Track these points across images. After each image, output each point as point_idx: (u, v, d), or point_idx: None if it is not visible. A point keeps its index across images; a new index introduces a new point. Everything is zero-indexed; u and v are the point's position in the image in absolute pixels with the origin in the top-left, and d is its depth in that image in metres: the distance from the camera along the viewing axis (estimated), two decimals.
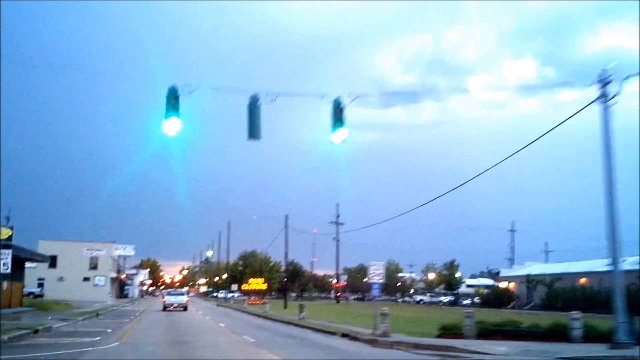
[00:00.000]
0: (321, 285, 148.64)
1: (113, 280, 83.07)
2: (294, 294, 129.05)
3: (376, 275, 22.17)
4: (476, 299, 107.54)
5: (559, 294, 72.74)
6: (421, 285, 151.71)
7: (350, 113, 16.22)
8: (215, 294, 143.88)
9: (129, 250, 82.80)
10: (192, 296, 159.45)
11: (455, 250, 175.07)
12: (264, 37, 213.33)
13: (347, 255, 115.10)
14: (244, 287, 77.23)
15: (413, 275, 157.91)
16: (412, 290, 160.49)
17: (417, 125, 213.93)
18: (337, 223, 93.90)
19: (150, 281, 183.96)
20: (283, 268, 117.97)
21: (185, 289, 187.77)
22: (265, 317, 40.12)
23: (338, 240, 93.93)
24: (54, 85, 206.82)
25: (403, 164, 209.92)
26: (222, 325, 30.23)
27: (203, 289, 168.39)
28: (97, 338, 20.52)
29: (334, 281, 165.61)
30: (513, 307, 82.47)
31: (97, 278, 76.37)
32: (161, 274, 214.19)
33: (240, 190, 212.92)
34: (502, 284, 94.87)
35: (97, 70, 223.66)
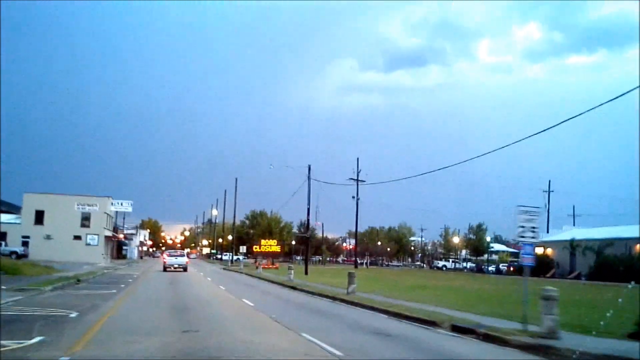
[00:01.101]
0: (332, 249, 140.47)
1: (108, 239, 74.14)
2: (298, 257, 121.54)
3: (528, 230, 12.76)
4: (502, 266, 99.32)
5: (612, 262, 63.91)
6: (436, 249, 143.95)
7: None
8: (219, 256, 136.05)
9: (125, 206, 73.65)
10: (195, 258, 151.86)
11: (472, 213, 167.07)
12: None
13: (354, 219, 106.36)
14: (255, 249, 68.23)
15: (423, 239, 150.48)
16: (419, 255, 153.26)
17: (424, 88, 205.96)
18: (357, 180, 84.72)
19: (150, 242, 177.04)
20: (295, 229, 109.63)
21: (187, 250, 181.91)
22: (294, 288, 31.12)
23: (358, 199, 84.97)
24: (51, 26, 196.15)
25: (411, 126, 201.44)
26: (248, 302, 20.97)
27: (206, 250, 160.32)
28: (34, 340, 10.73)
29: (345, 244, 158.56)
30: (553, 276, 73.78)
31: (89, 236, 67.47)
32: (162, 234, 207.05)
33: (246, 152, 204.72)
34: (537, 250, 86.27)
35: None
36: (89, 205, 67.94)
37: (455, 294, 29.40)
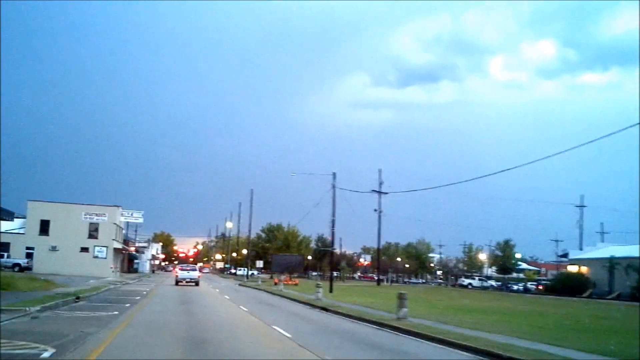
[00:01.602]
0: (349, 265, 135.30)
1: (118, 252, 70.10)
2: (314, 273, 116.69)
3: None
4: (530, 284, 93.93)
5: None
6: (455, 266, 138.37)
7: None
8: (233, 271, 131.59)
9: (136, 217, 69.68)
10: (208, 272, 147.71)
11: (491, 230, 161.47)
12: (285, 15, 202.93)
13: (370, 234, 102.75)
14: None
15: (442, 255, 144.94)
16: (437, 272, 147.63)
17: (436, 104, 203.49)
18: (379, 192, 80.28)
19: (163, 256, 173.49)
20: (312, 244, 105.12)
21: (199, 264, 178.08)
22: (326, 310, 26.70)
23: (380, 212, 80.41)
24: (56, 34, 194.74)
25: (424, 142, 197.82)
26: (282, 332, 16.48)
27: (219, 265, 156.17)
28: None
29: (362, 260, 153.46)
30: (590, 296, 68.60)
31: (97, 249, 63.47)
32: (175, 248, 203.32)
33: (260, 166, 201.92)
34: (571, 268, 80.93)
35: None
36: (97, 215, 64.03)
37: (518, 318, 24.91)
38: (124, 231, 74.53)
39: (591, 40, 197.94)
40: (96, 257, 63.33)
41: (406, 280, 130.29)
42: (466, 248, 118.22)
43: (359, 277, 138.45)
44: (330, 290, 45.62)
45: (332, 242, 46.98)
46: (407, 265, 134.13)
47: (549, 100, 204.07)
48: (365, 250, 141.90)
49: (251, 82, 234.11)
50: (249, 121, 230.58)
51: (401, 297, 20.46)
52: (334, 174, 47.50)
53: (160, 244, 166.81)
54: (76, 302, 26.15)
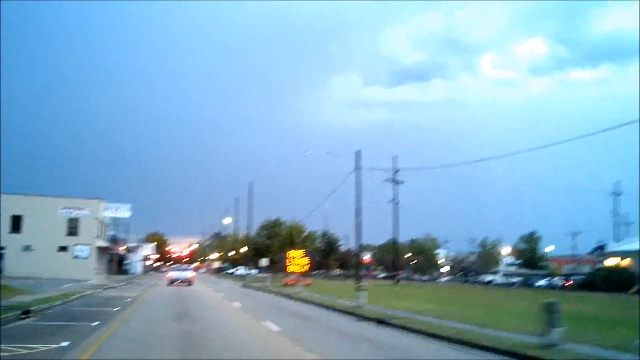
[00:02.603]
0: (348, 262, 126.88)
1: (103, 251, 61.40)
2: (314, 272, 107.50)
3: None
4: (556, 280, 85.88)
5: None
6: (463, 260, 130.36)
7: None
8: (230, 271, 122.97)
9: (123, 211, 60.88)
10: (204, 272, 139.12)
11: (509, 222, 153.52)
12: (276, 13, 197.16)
13: (369, 230, 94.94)
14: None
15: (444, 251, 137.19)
16: (446, 268, 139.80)
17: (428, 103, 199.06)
18: (394, 181, 72.00)
19: (156, 256, 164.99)
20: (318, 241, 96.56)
21: (195, 264, 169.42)
22: (386, 323, 18.43)
23: (397, 203, 72.10)
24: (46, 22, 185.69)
25: (417, 140, 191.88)
26: None
27: (216, 264, 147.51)
28: None
29: (365, 257, 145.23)
30: (638, 292, 60.50)
31: (77, 248, 54.77)
32: (168, 248, 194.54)
33: (256, 164, 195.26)
34: (611, 261, 72.94)
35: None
36: (77, 209, 55.31)
37: None
38: (109, 227, 65.72)
39: (582, 38, 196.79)
40: (76, 257, 54.65)
41: (418, 278, 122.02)
42: (481, 242, 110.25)
43: (361, 275, 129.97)
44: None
45: (358, 235, 38.55)
46: (414, 262, 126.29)
47: (541, 97, 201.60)
48: (364, 247, 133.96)
49: (244, 79, 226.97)
50: (241, 118, 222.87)
51: (551, 310, 12.02)
52: (358, 153, 39.16)
53: (154, 244, 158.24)
54: (22, 318, 17.75)
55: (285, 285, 52.98)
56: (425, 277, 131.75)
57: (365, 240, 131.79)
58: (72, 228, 55.06)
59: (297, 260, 54.54)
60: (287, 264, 54.31)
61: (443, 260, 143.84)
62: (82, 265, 54.24)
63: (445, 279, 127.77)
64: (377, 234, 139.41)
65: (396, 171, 71.01)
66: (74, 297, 27.94)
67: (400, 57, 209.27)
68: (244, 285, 56.72)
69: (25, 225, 53.45)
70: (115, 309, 21.86)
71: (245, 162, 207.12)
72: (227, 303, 28.93)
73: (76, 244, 54.84)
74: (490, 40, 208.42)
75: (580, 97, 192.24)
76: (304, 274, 57.72)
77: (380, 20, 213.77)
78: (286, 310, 24.95)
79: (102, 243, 59.17)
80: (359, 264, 41.09)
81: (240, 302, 28.03)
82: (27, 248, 52.79)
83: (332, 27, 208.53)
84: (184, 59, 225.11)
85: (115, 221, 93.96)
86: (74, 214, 55.14)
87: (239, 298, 32.87)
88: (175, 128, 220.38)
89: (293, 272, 55.03)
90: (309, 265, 54.94)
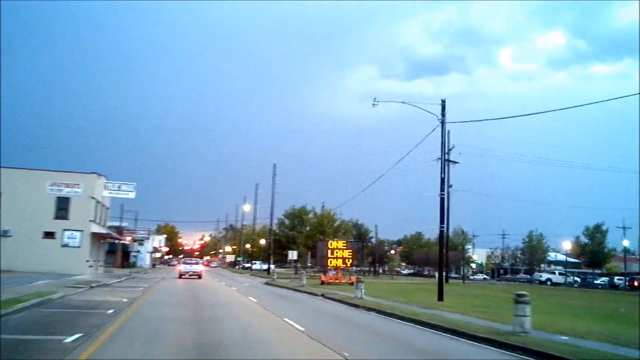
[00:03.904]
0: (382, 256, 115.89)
1: (99, 239, 51.04)
2: (352, 268, 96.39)
3: None
4: (617, 279, 74.78)
5: None
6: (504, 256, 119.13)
7: None
8: (246, 265, 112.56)
9: (125, 191, 50.21)
10: (215, 267, 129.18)
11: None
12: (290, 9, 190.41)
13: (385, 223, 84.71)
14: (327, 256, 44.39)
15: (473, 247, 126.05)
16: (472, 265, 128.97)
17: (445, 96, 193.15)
18: (448, 161, 60.91)
19: (167, 249, 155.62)
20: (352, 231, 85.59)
21: (206, 258, 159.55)
22: None
23: (450, 187, 60.93)
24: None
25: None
26: None
27: (229, 258, 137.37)
28: None
29: (393, 251, 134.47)
30: None
31: (67, 234, 44.33)
32: (179, 241, 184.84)
33: (269, 157, 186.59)
34: None
35: None
36: (68, 185, 44.85)
37: None
38: (108, 210, 55.07)
39: (601, 31, 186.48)
40: (66, 245, 44.23)
41: (452, 275, 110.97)
42: (527, 238, 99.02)
43: (385, 271, 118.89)
44: (440, 298, 26.67)
45: (442, 219, 27.49)
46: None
47: (560, 91, 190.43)
48: (385, 243, 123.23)
49: (260, 72, 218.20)
50: (260, 108, 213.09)
51: None
52: (444, 103, 28.41)
53: (164, 236, 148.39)
54: None
55: (325, 283, 42.41)
56: (455, 275, 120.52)
57: (383, 234, 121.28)
58: (62, 209, 44.59)
59: (340, 253, 43.82)
60: (327, 257, 43.60)
61: (475, 256, 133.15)
62: (73, 255, 43.85)
63: (481, 277, 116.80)
64: (397, 228, 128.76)
65: (450, 149, 59.80)
66: (32, 302, 17.40)
67: (417, 50, 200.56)
68: (268, 283, 46.21)
69: (3, 204, 42.98)
70: (70, 339, 11.12)
71: (262, 154, 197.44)
72: (259, 309, 18.45)
73: (65, 230, 44.38)
74: (508, 33, 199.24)
75: (600, 91, 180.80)
76: (345, 270, 47.08)
77: (396, 13, 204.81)
78: (382, 336, 14.22)
79: (100, 229, 48.70)
80: (442, 259, 30.10)
81: (291, 316, 17.16)
82: (4, 233, 42.46)
83: (348, 20, 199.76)
84: (202, 53, 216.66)
85: (122, 208, 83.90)
86: (65, 192, 44.66)
87: (280, 306, 22.13)
88: (193, 124, 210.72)
89: (336, 267, 44.34)
90: (352, 259, 44.21)
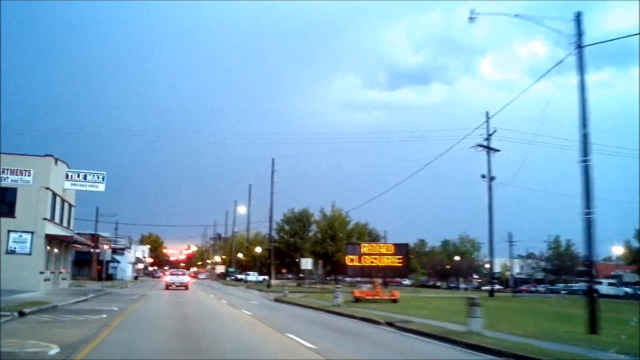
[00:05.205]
0: None
1: (59, 243, 39.69)
2: (332, 277, 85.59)
3: None
4: None
5: None
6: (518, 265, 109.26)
7: None
8: (239, 276, 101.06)
9: (92, 182, 38.86)
10: (204, 278, 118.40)
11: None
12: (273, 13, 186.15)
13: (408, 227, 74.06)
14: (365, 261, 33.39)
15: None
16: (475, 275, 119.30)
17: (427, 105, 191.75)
18: (489, 148, 50.52)
19: (151, 259, 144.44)
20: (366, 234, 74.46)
21: (193, 269, 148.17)
22: None
23: (492, 178, 50.50)
24: None
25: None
26: None
27: (219, 269, 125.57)
28: None
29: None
30: None
31: (12, 236, 33.05)
32: (164, 251, 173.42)
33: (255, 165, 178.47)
34: None
35: None
36: (14, 172, 33.65)
37: None
38: (72, 208, 43.52)
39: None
40: (12, 251, 32.96)
41: (451, 286, 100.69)
42: (553, 242, 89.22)
43: (386, 282, 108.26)
44: (594, 329, 16.03)
45: (587, 197, 17.07)
46: (451, 267, 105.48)
47: (541, 100, 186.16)
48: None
49: (242, 76, 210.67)
50: (237, 116, 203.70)
51: None
52: (579, 17, 17.81)
53: (148, 246, 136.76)
54: None
55: (360, 300, 31.63)
56: (464, 286, 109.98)
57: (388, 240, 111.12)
58: (6, 203, 33.40)
59: (385, 260, 32.91)
60: (365, 265, 32.66)
61: (487, 265, 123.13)
62: (22, 265, 32.61)
63: (496, 287, 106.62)
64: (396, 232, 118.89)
65: (490, 134, 49.50)
66: None
67: (399, 59, 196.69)
68: (280, 300, 35.30)
69: None
70: None
71: (244, 161, 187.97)
72: None
73: (11, 231, 33.11)
74: (489, 42, 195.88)
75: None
76: (385, 283, 36.27)
77: (377, 22, 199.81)
78: None
79: (59, 231, 37.40)
80: (592, 269, 19.50)
81: None
82: None
83: (329, 29, 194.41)
84: (187, 53, 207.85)
85: (97, 211, 72.19)
86: (10, 179, 33.46)
87: (347, 350, 11.37)
88: (175, 126, 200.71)
89: (373, 280, 33.40)
90: (403, 268, 33.30)
